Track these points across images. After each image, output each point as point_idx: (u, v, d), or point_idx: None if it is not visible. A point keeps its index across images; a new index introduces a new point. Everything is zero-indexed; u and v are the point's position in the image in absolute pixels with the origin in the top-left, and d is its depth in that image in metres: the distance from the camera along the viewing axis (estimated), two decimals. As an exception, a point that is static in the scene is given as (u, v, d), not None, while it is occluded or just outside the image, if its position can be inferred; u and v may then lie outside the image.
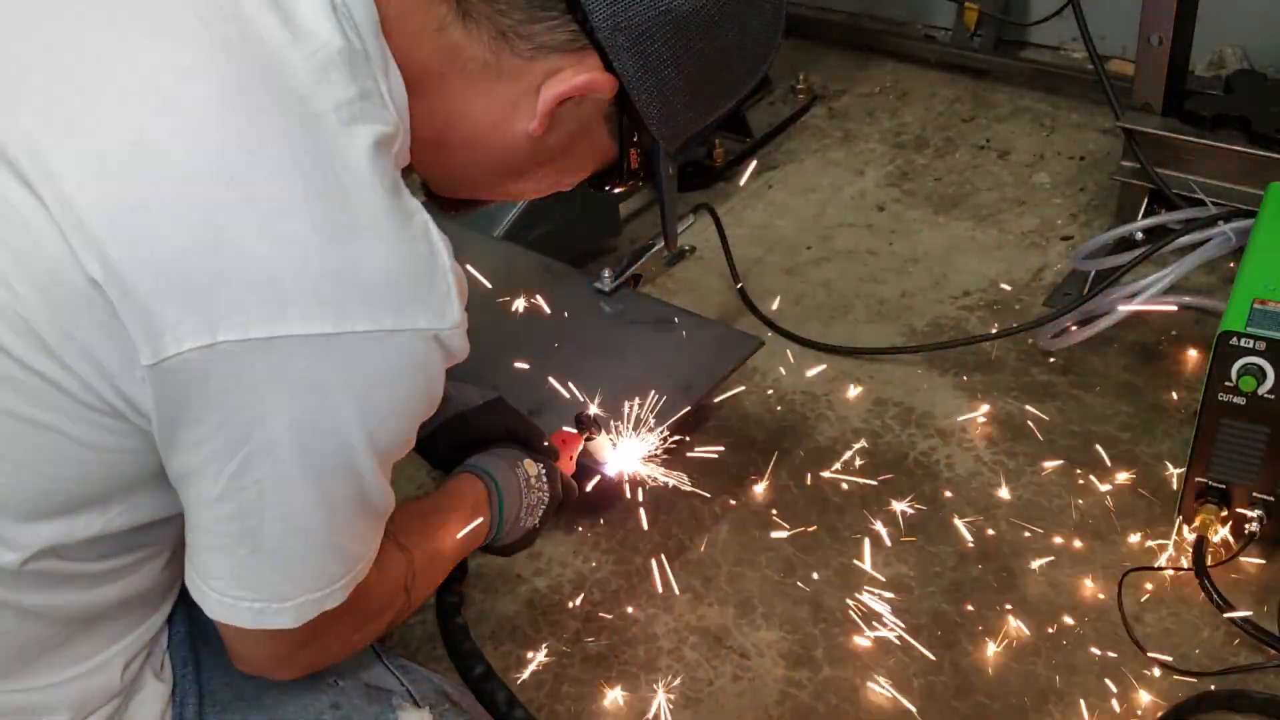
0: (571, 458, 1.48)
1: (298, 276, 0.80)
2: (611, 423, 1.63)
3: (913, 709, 1.49)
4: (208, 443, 0.83)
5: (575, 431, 1.50)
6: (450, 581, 1.27)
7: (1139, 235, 2.10)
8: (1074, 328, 1.97)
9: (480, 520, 1.25)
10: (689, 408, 1.75)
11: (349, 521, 0.92)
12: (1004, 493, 1.78)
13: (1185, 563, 1.59)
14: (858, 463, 1.85)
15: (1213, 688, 1.47)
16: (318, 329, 0.80)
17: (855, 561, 1.69)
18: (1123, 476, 1.79)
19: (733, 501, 1.81)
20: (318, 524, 0.90)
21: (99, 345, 0.80)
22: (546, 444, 1.43)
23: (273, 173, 0.80)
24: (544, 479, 1.34)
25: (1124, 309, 1.89)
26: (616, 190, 1.13)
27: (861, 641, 1.58)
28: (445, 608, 1.28)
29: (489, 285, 1.75)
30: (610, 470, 1.62)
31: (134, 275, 0.78)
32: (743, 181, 2.56)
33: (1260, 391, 1.50)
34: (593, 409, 1.65)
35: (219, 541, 0.89)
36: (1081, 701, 1.49)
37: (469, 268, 0.99)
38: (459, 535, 1.21)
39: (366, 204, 0.83)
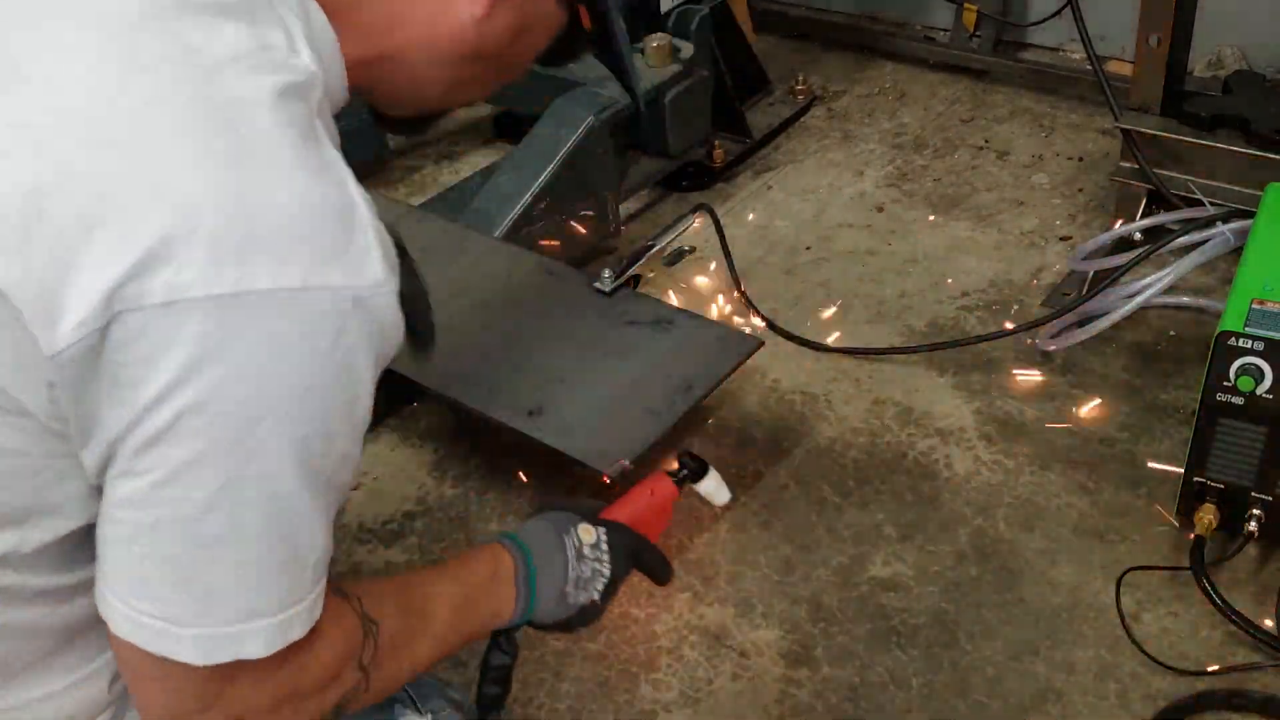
0: (667, 511, 1.28)
1: (192, 234, 0.74)
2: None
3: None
4: (110, 427, 0.77)
5: (672, 479, 1.29)
6: (491, 668, 1.14)
7: (1138, 236, 2.10)
8: (1073, 328, 1.97)
9: (495, 597, 1.10)
10: (689, 408, 1.75)
11: (260, 540, 0.81)
12: (1003, 493, 1.79)
13: (1184, 562, 1.59)
14: (857, 463, 1.86)
15: (1211, 687, 1.47)
16: (216, 289, 0.74)
17: (855, 561, 1.70)
18: (1121, 476, 1.79)
19: (733, 501, 1.81)
20: (217, 529, 0.79)
21: (7, 348, 0.76)
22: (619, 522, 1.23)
23: (164, 131, 0.76)
24: (603, 548, 1.17)
25: (1123, 309, 1.90)
26: (570, 63, 1.07)
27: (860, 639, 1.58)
28: (485, 701, 1.15)
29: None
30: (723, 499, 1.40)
31: (27, 261, 0.74)
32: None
33: (1258, 391, 1.51)
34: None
35: (118, 531, 0.81)
36: (1081, 701, 1.49)
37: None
38: (453, 612, 1.05)
39: (268, 153, 0.77)
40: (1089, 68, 2.25)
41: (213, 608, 0.81)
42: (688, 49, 2.39)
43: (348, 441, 0.84)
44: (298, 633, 0.84)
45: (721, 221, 2.22)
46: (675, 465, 1.30)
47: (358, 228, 0.79)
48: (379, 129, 1.05)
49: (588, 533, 1.16)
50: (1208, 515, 1.58)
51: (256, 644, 0.83)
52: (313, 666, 0.89)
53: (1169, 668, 1.51)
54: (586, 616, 1.17)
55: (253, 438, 0.77)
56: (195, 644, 0.81)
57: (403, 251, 0.88)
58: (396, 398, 2.07)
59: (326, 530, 0.85)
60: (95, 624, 0.91)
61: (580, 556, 1.15)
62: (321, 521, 0.84)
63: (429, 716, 1.13)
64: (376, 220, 0.81)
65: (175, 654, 0.81)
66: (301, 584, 0.84)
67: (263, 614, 0.82)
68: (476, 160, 2.75)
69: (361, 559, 1.78)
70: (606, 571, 1.16)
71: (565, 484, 1.84)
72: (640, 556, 1.22)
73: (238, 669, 0.83)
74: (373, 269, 0.79)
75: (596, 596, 1.16)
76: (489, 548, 1.12)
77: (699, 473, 1.31)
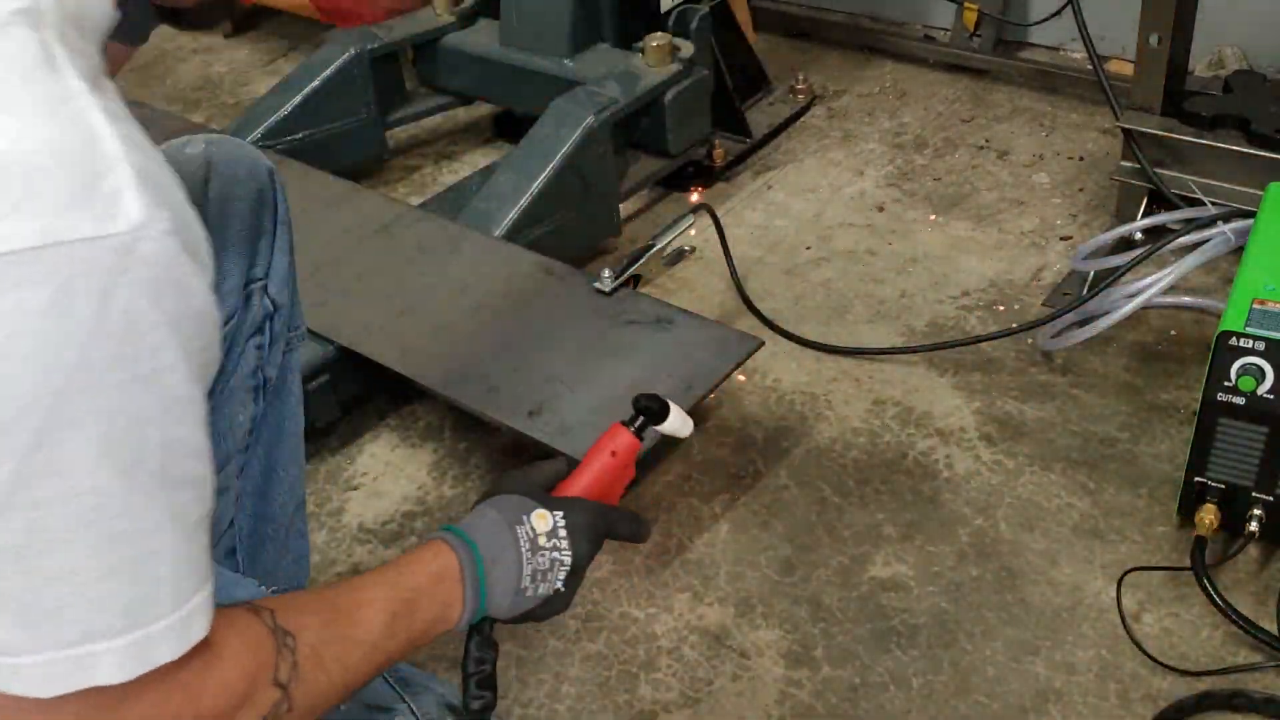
0: (629, 467, 1.20)
1: None
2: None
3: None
4: None
5: (631, 431, 1.19)
6: (471, 675, 1.07)
7: (1138, 235, 2.10)
8: (1073, 328, 1.97)
9: (438, 600, 1.01)
10: (689, 408, 1.74)
11: (73, 546, 0.70)
12: (1003, 493, 1.78)
13: (1185, 563, 1.59)
14: (857, 463, 1.86)
15: (1212, 688, 1.47)
16: None
17: (855, 561, 1.70)
18: (1122, 476, 1.79)
19: (733, 501, 1.81)
20: (17, 537, 0.69)
21: None
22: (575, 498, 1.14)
23: None
24: (561, 535, 1.08)
25: (1124, 309, 1.89)
26: None
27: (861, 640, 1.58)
28: (474, 710, 1.07)
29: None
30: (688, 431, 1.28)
31: None
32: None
33: (1259, 391, 1.51)
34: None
35: None
36: (1082, 702, 1.49)
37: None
38: (390, 618, 0.95)
39: None
40: (1089, 67, 2.25)
41: (43, 630, 0.71)
42: (687, 48, 2.39)
43: (166, 422, 0.72)
44: (165, 654, 0.75)
45: (721, 221, 2.22)
46: (633, 413, 1.20)
47: (105, 165, 0.68)
48: (179, 27, 0.98)
49: (542, 519, 1.07)
50: (1208, 515, 1.58)
51: (109, 669, 0.72)
52: (213, 688, 0.80)
53: (1170, 668, 1.51)
54: (553, 606, 1.10)
55: (30, 425, 0.67)
56: (36, 673, 0.71)
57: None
58: (396, 398, 2.07)
59: (182, 534, 0.75)
60: None
61: (536, 548, 1.06)
62: (167, 523, 0.74)
63: None
64: (138, 152, 0.70)
65: (12, 687, 0.72)
66: (156, 598, 0.74)
67: (105, 633, 0.72)
68: (476, 160, 2.75)
69: (361, 559, 1.78)
70: (567, 560, 1.08)
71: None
72: (610, 529, 1.13)
73: (116, 699, 0.74)
74: (129, 210, 0.68)
75: (560, 585, 1.08)
76: (431, 545, 1.04)
77: (660, 414, 1.20)
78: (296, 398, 1.35)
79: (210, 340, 0.76)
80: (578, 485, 1.15)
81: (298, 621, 0.88)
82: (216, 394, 1.22)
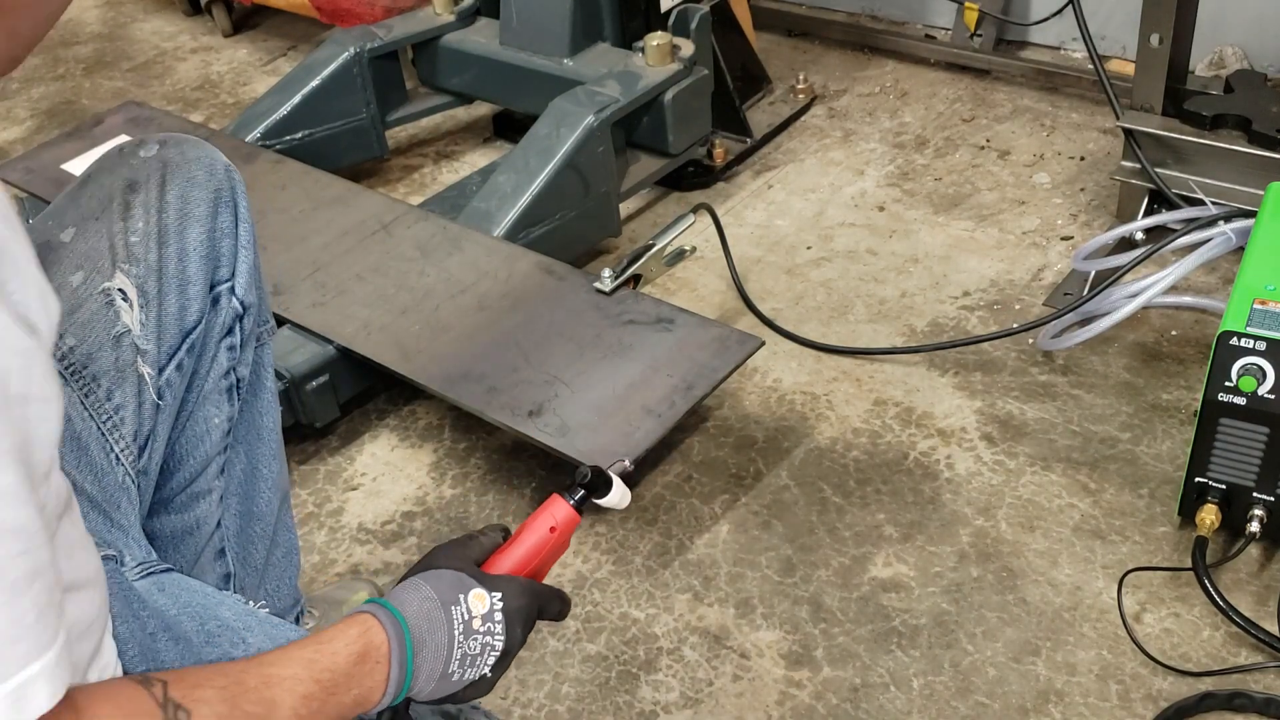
0: (567, 541, 1.14)
1: None
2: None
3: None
4: None
5: (571, 505, 1.13)
6: None
7: (1139, 235, 2.10)
8: (1074, 328, 1.97)
9: (359, 683, 0.94)
10: (689, 408, 1.74)
11: None
12: (1004, 493, 1.78)
13: (1186, 563, 1.59)
14: (858, 463, 1.85)
15: (1213, 688, 1.47)
16: None
17: (856, 562, 1.69)
18: (1122, 476, 1.79)
19: (733, 501, 1.81)
20: None
21: None
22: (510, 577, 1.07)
23: None
24: (497, 619, 1.01)
25: (1124, 309, 1.89)
26: None
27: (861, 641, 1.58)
28: None
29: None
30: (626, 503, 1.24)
31: None
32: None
33: (1260, 391, 1.50)
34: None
35: None
36: (1082, 702, 1.49)
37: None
38: (302, 700, 0.89)
39: None
40: (1090, 67, 2.25)
41: None
42: (688, 48, 2.38)
43: None
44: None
45: (722, 221, 2.22)
46: (573, 484, 1.14)
47: None
48: None
49: (480, 601, 1.00)
50: (1209, 516, 1.58)
51: None
52: None
53: (1170, 668, 1.50)
54: (476, 690, 1.03)
55: None
56: None
57: None
58: (396, 398, 2.07)
59: (3, 597, 0.67)
60: None
61: (469, 632, 0.99)
62: None
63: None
64: None
65: None
66: None
67: None
68: (476, 160, 2.75)
69: (361, 559, 1.78)
70: (499, 645, 1.01)
71: (566, 484, 1.84)
72: (542, 610, 1.08)
73: None
74: None
75: (488, 672, 1.02)
76: (358, 621, 0.96)
77: (604, 488, 1.15)
78: (271, 393, 1.35)
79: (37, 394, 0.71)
80: (514, 561, 1.08)
81: (194, 695, 0.81)
82: (190, 399, 1.22)
